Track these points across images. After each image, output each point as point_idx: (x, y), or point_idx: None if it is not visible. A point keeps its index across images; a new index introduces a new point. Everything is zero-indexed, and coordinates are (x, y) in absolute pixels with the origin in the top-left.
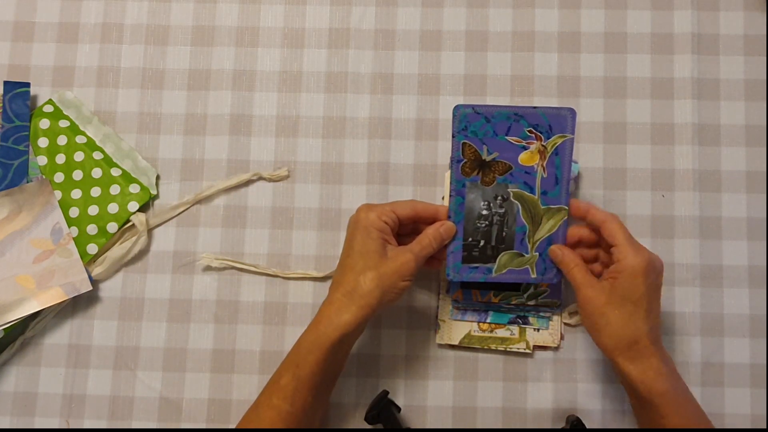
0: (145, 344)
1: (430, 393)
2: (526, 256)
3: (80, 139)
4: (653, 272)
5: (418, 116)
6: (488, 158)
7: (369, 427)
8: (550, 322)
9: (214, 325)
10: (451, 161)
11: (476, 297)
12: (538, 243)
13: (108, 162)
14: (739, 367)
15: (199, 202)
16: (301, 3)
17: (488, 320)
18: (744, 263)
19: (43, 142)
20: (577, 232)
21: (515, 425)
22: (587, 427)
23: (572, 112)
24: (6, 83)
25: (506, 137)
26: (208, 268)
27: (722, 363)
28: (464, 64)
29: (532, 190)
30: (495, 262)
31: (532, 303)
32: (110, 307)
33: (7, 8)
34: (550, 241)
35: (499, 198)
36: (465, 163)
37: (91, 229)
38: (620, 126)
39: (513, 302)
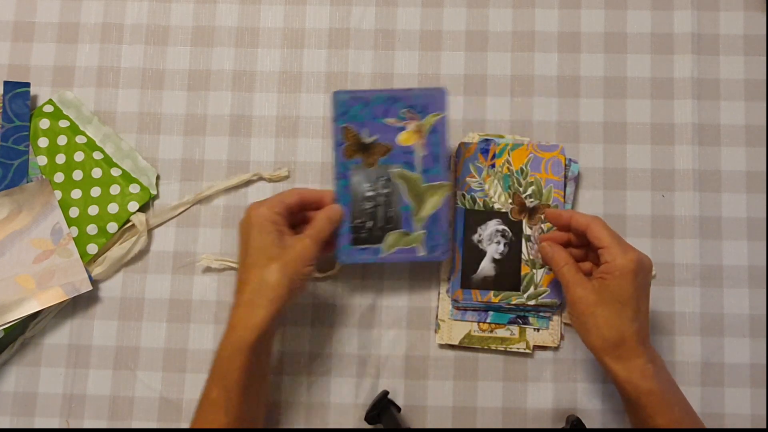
0: (145, 344)
1: (430, 393)
2: (413, 234)
3: (80, 139)
4: (642, 272)
5: None
6: (369, 141)
7: (369, 427)
8: (550, 322)
9: (214, 326)
10: (333, 145)
11: (476, 297)
12: (424, 220)
13: (108, 162)
14: (739, 367)
15: (199, 202)
16: (301, 3)
17: (488, 320)
18: (744, 263)
19: (43, 142)
20: (564, 236)
21: (515, 425)
22: (587, 427)
23: (442, 92)
24: (6, 83)
25: (384, 120)
26: (208, 269)
27: (722, 363)
28: (464, 64)
29: (413, 169)
30: (383, 242)
31: (532, 303)
32: (110, 307)
33: (7, 8)
34: (435, 217)
35: (383, 179)
36: (347, 146)
37: (91, 229)
38: (620, 126)
39: (513, 302)
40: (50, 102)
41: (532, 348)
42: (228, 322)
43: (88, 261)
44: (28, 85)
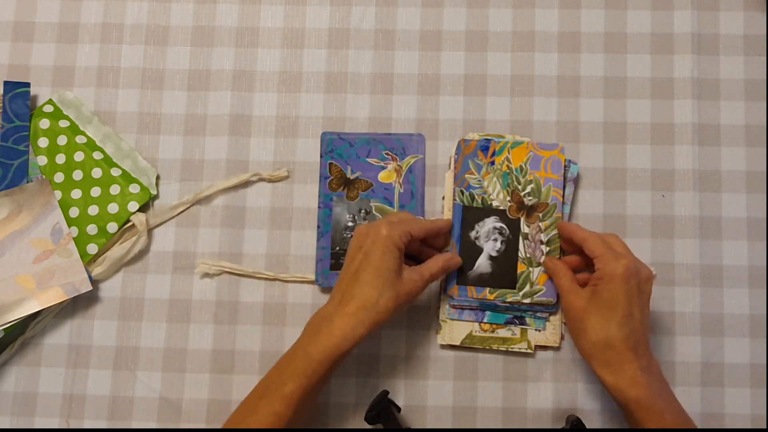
0: (145, 344)
1: (430, 393)
2: None
3: (80, 139)
4: (634, 278)
5: (418, 116)
6: (352, 177)
7: (369, 427)
8: (548, 323)
9: (213, 326)
10: (320, 177)
11: (472, 293)
12: None
13: (108, 162)
14: (739, 367)
15: (198, 202)
16: (301, 3)
17: (485, 320)
18: (744, 263)
19: (43, 142)
20: (574, 262)
21: (515, 425)
22: (587, 427)
23: (422, 137)
24: (6, 83)
25: (367, 159)
26: (205, 275)
27: (722, 363)
28: (464, 64)
29: (391, 204)
30: None
31: (527, 301)
32: (110, 307)
33: (7, 8)
34: None
35: (363, 211)
36: (332, 179)
37: (91, 229)
38: (620, 126)
39: (508, 299)
40: (50, 102)
41: (533, 348)
42: (324, 324)
43: (88, 261)
44: (28, 85)
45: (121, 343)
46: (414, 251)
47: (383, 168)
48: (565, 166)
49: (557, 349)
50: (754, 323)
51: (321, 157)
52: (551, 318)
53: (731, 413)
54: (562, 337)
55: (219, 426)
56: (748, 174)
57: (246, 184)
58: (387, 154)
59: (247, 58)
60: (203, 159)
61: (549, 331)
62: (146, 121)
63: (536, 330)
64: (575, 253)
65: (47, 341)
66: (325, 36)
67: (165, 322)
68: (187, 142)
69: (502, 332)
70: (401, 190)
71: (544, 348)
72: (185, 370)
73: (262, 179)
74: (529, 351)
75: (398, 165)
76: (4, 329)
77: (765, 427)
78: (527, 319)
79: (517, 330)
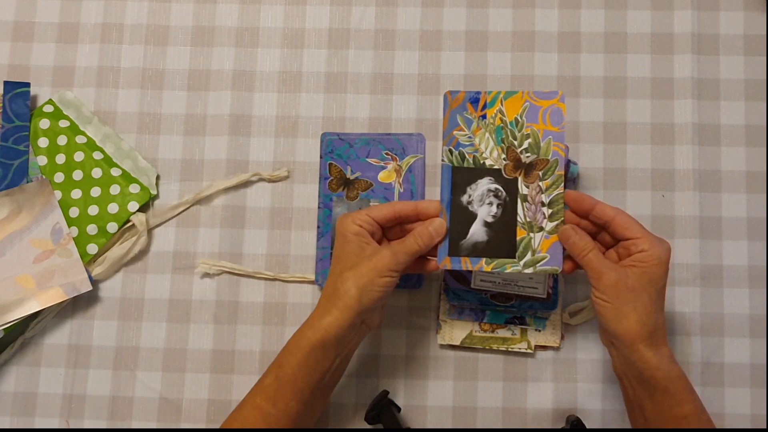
0: (145, 344)
1: (430, 393)
2: None
3: (80, 139)
4: (669, 262)
5: (418, 116)
6: (352, 177)
7: (369, 427)
8: (548, 322)
9: (213, 326)
10: (320, 178)
11: (466, 265)
12: None
13: (108, 162)
14: (739, 367)
15: (198, 202)
16: (301, 3)
17: (485, 320)
18: (744, 263)
19: (43, 142)
20: (575, 219)
21: (515, 425)
22: (587, 427)
23: (421, 137)
24: (6, 83)
25: (367, 159)
26: (205, 275)
27: (722, 363)
28: (464, 64)
29: None
30: None
31: (529, 271)
32: (110, 307)
33: (7, 8)
34: None
35: None
36: (331, 180)
37: (91, 229)
38: (620, 126)
39: (508, 270)
40: (50, 102)
41: (533, 348)
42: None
43: (88, 261)
44: (28, 85)
45: (121, 343)
46: (397, 236)
47: (383, 168)
48: (567, 161)
49: (557, 349)
50: (754, 323)
51: (321, 158)
52: (551, 318)
53: (731, 413)
54: (562, 337)
55: (219, 426)
56: (748, 174)
57: (246, 184)
58: (387, 154)
59: (247, 58)
60: (203, 159)
61: (549, 331)
62: (146, 121)
63: (536, 330)
64: (579, 219)
65: (47, 341)
66: (325, 36)
67: (165, 322)
68: (187, 142)
69: (502, 332)
70: (401, 190)
71: (544, 348)
72: (185, 370)
73: (262, 179)
74: (529, 351)
75: (398, 165)
76: (4, 329)
77: (765, 427)
78: (527, 319)
79: (517, 330)
